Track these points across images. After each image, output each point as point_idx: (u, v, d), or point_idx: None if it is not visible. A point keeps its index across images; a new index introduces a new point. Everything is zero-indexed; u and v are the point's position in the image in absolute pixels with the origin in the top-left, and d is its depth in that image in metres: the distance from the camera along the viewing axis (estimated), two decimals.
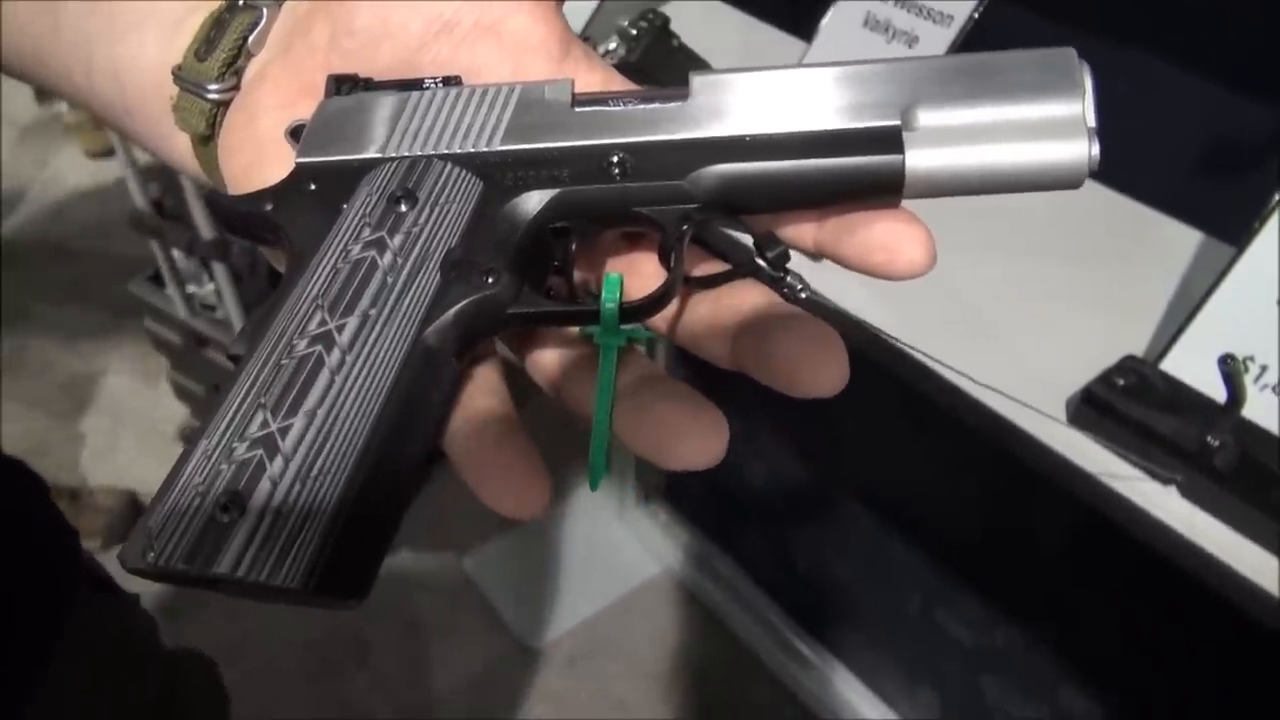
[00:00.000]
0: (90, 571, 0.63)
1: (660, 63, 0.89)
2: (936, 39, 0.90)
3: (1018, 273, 0.86)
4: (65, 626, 0.58)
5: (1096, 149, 0.30)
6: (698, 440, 0.28)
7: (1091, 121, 0.30)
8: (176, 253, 1.74)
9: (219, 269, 1.67)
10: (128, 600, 0.67)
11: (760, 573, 1.65)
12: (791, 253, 0.32)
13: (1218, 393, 0.68)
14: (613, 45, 0.89)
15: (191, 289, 1.80)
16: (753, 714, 1.60)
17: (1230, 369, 0.61)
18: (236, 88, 0.36)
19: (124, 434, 2.08)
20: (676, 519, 1.76)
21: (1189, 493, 0.69)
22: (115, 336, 2.23)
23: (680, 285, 0.31)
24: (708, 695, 1.62)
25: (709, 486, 1.69)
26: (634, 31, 0.88)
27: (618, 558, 1.78)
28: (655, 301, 0.31)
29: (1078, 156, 0.30)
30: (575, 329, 0.33)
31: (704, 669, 1.65)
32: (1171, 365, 0.73)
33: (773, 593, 1.64)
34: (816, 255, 0.33)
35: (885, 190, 0.31)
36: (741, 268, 0.32)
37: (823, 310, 0.33)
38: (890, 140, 0.30)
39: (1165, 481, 0.70)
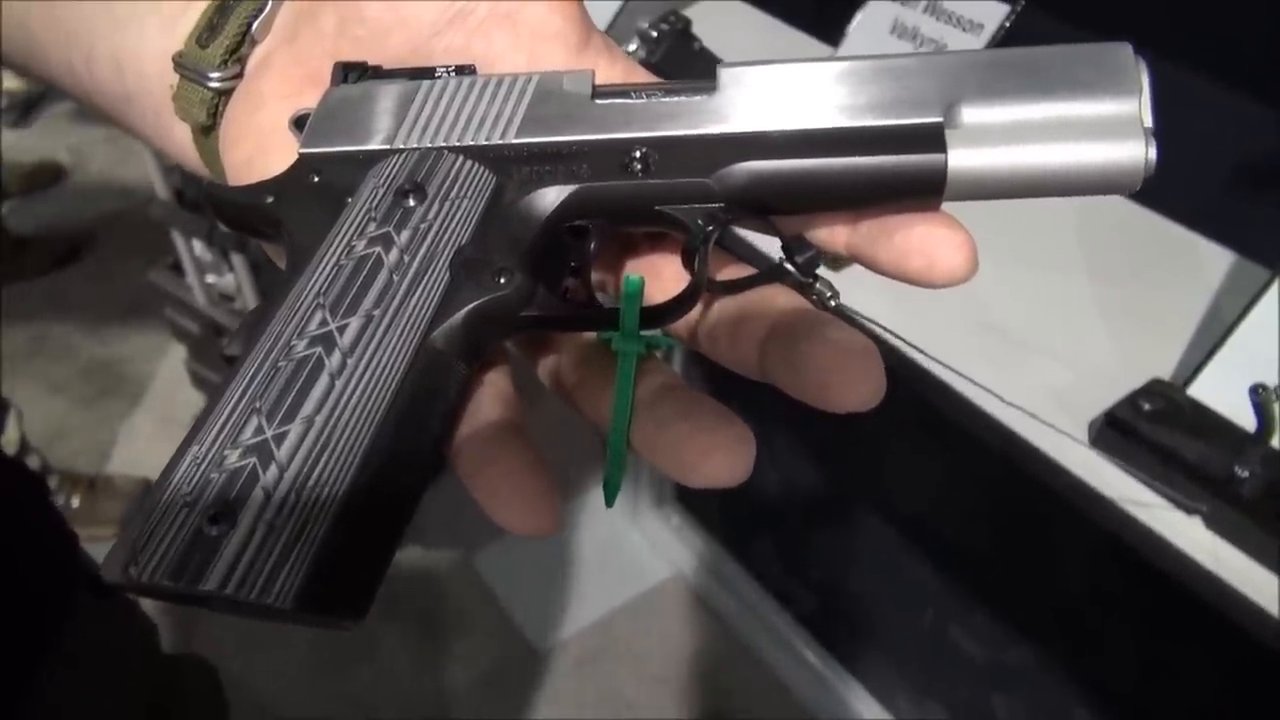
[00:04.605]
0: (89, 575, 0.63)
1: (681, 65, 0.87)
2: (966, 47, 0.88)
3: (1043, 288, 0.84)
4: (62, 632, 0.58)
5: (1154, 151, 0.28)
6: (723, 457, 0.27)
7: (1149, 121, 0.28)
8: (196, 242, 1.74)
9: (238, 259, 1.67)
10: (127, 604, 0.66)
11: (772, 580, 1.64)
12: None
13: (1247, 420, 0.66)
14: (632, 47, 0.88)
15: (211, 279, 1.80)
16: None
17: (1261, 399, 0.59)
18: (239, 76, 0.34)
19: (143, 421, 2.09)
20: (689, 523, 1.75)
21: (1214, 523, 0.67)
22: (136, 324, 2.25)
23: (704, 289, 0.30)
24: (715, 701, 1.61)
25: (723, 492, 1.67)
26: (654, 33, 0.87)
27: (629, 560, 1.77)
28: (677, 306, 0.30)
29: (1134, 158, 0.28)
30: (592, 334, 0.31)
31: (712, 675, 1.64)
32: (1200, 390, 0.70)
33: (783, 601, 1.62)
34: (837, 263, 0.31)
35: (925, 192, 0.29)
36: (769, 272, 0.30)
37: (853, 319, 0.31)
38: (931, 138, 0.29)
39: (1190, 511, 0.68)
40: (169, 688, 0.70)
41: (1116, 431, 0.70)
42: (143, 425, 2.08)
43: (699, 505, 1.74)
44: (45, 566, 0.61)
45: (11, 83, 2.80)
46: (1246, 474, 0.65)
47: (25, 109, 2.94)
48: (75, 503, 1.78)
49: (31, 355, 2.20)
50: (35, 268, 2.38)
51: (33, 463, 1.69)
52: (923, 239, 0.28)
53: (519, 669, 1.64)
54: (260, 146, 0.33)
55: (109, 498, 1.81)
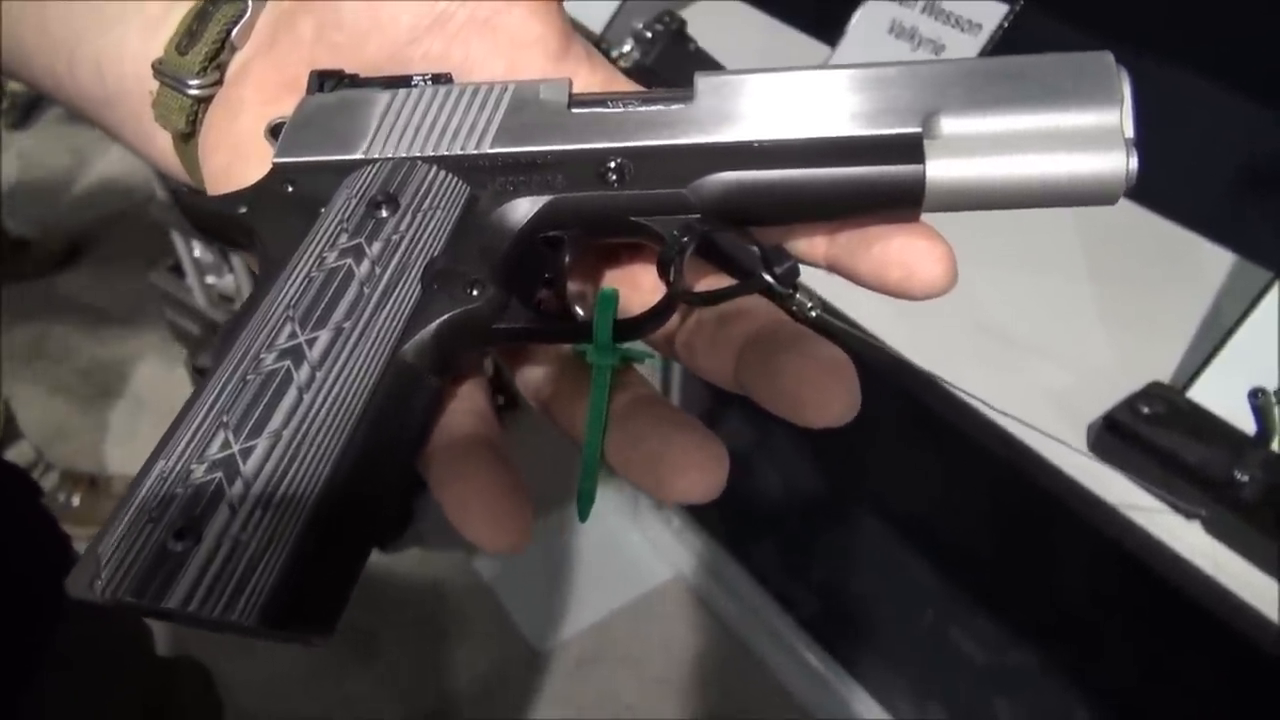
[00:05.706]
0: None
1: (675, 66, 0.87)
2: (964, 47, 0.87)
3: (1041, 290, 0.84)
4: (56, 633, 0.58)
5: (1135, 162, 0.28)
6: (696, 474, 0.27)
7: (1130, 132, 0.28)
8: (196, 244, 1.74)
9: (238, 261, 1.67)
10: None
11: (772, 582, 1.63)
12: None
13: (1247, 423, 0.65)
14: (627, 48, 0.87)
15: (211, 280, 1.81)
16: None
17: (1261, 403, 0.59)
18: (219, 83, 0.34)
19: (143, 421, 2.09)
20: (689, 525, 1.75)
21: (1213, 528, 0.66)
22: (137, 325, 2.25)
23: (680, 301, 0.29)
24: (715, 702, 1.61)
25: (723, 494, 1.67)
26: (649, 34, 0.86)
27: (629, 562, 1.76)
28: (652, 318, 0.29)
29: (1114, 170, 0.28)
30: (567, 345, 0.31)
31: (712, 676, 1.64)
32: (1199, 393, 0.70)
33: (784, 603, 1.62)
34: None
35: (903, 203, 0.28)
36: (747, 283, 0.30)
37: (834, 330, 0.31)
38: (910, 149, 0.28)
39: (1189, 515, 0.67)
40: (163, 690, 0.70)
41: (1115, 435, 0.70)
42: (142, 426, 2.08)
43: (700, 507, 1.73)
44: (38, 568, 0.61)
45: (14, 84, 2.80)
46: (1246, 478, 0.64)
47: (26, 110, 2.94)
48: (75, 502, 1.78)
49: (31, 356, 2.20)
50: (35, 268, 2.38)
51: (28, 457, 1.68)
52: (901, 250, 0.28)
53: (519, 670, 1.64)
54: (239, 154, 0.33)
55: (109, 497, 1.81)
